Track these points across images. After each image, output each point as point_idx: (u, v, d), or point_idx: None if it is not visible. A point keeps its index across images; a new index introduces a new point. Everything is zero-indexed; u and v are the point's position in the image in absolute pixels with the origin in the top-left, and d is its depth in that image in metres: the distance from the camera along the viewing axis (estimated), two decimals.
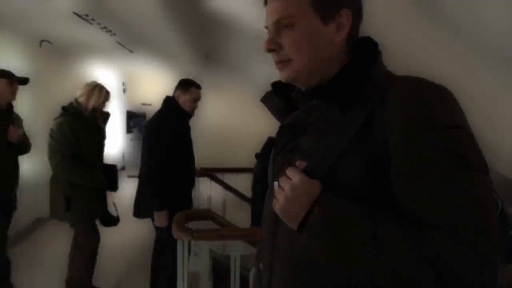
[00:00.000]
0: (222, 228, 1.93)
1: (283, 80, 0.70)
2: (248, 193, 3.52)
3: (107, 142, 2.45)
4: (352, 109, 0.61)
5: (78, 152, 2.11)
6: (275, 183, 0.66)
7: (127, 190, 3.04)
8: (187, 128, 2.33)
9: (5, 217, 2.23)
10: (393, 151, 0.55)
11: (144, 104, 6.15)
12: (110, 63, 5.25)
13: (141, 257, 2.77)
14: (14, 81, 2.15)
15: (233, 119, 5.66)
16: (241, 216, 3.34)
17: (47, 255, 3.02)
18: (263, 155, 2.77)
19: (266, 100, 0.80)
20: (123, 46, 3.71)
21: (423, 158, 0.53)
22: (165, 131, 2.15)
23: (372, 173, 0.57)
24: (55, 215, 2.23)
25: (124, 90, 6.45)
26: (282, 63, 0.67)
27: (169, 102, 2.27)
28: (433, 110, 0.54)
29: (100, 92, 2.19)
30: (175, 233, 1.78)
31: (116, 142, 6.44)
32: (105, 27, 2.99)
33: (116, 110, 6.33)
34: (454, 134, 0.53)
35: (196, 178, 3.86)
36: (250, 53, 3.25)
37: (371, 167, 0.57)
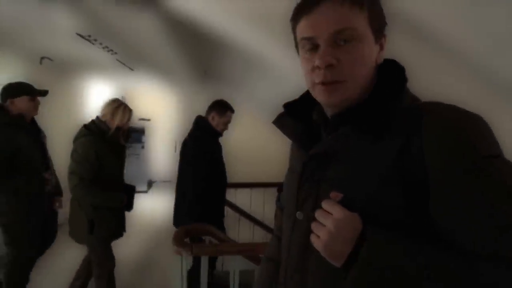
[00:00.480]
0: (222, 243, 1.94)
1: (328, 103, 0.64)
2: (247, 208, 3.53)
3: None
4: (384, 137, 0.58)
5: (100, 172, 2.07)
6: (299, 213, 0.66)
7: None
8: (219, 147, 2.44)
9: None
10: (434, 182, 0.53)
11: (142, 119, 6.21)
12: (109, 79, 5.33)
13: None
14: (35, 96, 2.15)
15: (231, 134, 5.71)
16: (240, 231, 3.34)
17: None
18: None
19: (279, 122, 0.75)
20: (123, 64, 3.78)
21: (475, 193, 0.51)
22: (201, 149, 2.29)
23: (410, 206, 0.55)
24: (76, 237, 2.20)
25: None
26: (334, 84, 0.59)
27: (201, 122, 2.39)
28: (472, 140, 0.52)
29: (124, 111, 2.16)
30: (175, 248, 1.80)
31: None
32: (107, 47, 3.07)
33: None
34: (498, 162, 0.53)
35: None
36: (247, 70, 3.34)
37: (410, 198, 0.55)
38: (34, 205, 2.14)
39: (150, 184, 6.66)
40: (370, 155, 0.58)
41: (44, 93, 2.22)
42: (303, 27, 0.61)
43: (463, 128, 0.53)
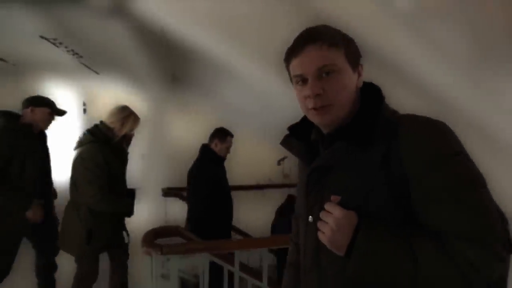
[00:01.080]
0: (190, 241, 1.99)
1: (321, 124, 0.78)
2: None
3: (63, 165, 2.43)
4: (371, 146, 0.71)
5: (108, 179, 2.07)
6: (310, 217, 0.79)
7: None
8: (224, 171, 2.72)
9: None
10: (414, 179, 0.66)
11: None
12: (71, 83, 5.16)
13: None
14: (55, 112, 2.28)
15: (199, 139, 5.73)
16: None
17: None
18: (284, 212, 3.00)
19: (286, 143, 0.87)
20: (88, 67, 3.71)
21: (442, 183, 0.64)
22: (207, 176, 2.58)
23: (396, 200, 0.67)
24: (68, 247, 2.15)
25: (85, 110, 6.29)
26: (323, 108, 0.73)
27: (206, 151, 2.65)
28: (441, 142, 0.67)
29: (134, 120, 2.17)
30: (144, 249, 1.83)
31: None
32: (72, 50, 3.02)
33: (75, 131, 6.12)
34: (461, 158, 0.66)
35: (164, 198, 3.87)
36: (217, 77, 3.43)
37: (395, 195, 0.67)
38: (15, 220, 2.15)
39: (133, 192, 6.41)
40: (360, 163, 0.71)
41: (62, 113, 2.33)
42: (294, 67, 0.76)
43: (431, 132, 0.68)
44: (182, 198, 3.59)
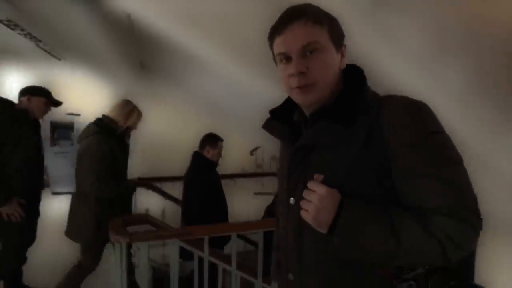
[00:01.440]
0: (159, 229, 2.00)
1: (304, 103, 0.77)
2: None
3: None
4: (353, 125, 0.71)
5: (112, 168, 2.14)
6: (292, 199, 0.79)
7: (53, 209, 2.87)
8: (217, 175, 2.76)
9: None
10: (395, 156, 0.67)
11: (71, 113, 5.77)
12: (31, 68, 4.87)
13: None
14: (51, 101, 2.31)
15: (170, 128, 5.65)
16: (179, 223, 3.38)
17: None
18: (272, 210, 3.03)
19: (268, 126, 0.87)
20: (48, 53, 3.52)
21: (421, 160, 0.66)
22: (201, 182, 2.62)
23: (377, 178, 0.69)
24: (74, 235, 2.19)
25: None
26: (307, 86, 0.73)
27: (198, 159, 2.70)
28: (421, 121, 0.68)
29: (138, 114, 2.30)
30: (113, 237, 1.82)
31: None
32: (30, 34, 2.85)
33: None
34: (440, 137, 0.68)
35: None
36: (187, 66, 3.39)
37: (376, 173, 0.69)
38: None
39: None
40: (343, 141, 0.72)
41: (58, 103, 2.36)
42: (278, 45, 0.75)
43: (411, 112, 0.69)
44: (152, 188, 3.56)
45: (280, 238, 0.88)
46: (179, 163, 3.25)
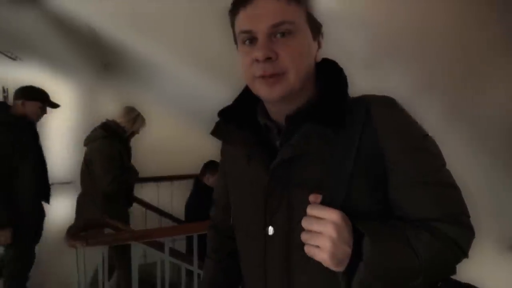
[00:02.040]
0: (118, 232, 2.01)
1: (272, 98, 0.61)
2: (155, 201, 3.59)
3: None
4: (343, 130, 0.59)
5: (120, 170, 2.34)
6: (270, 228, 0.62)
7: None
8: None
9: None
10: (393, 164, 0.59)
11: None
12: None
13: None
14: (47, 105, 2.25)
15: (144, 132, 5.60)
16: (148, 226, 3.36)
17: None
18: None
19: (219, 132, 0.69)
20: (2, 53, 3.38)
21: (423, 166, 0.60)
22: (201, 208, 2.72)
23: (373, 190, 0.59)
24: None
25: (5, 97, 5.71)
26: (275, 76, 0.58)
27: (198, 184, 2.85)
28: (414, 125, 0.62)
29: (142, 120, 2.53)
30: (68, 242, 1.81)
31: None
32: None
33: None
34: (431, 140, 0.63)
35: None
36: (147, 68, 3.39)
37: (372, 185, 0.59)
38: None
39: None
40: (335, 151, 0.59)
41: (55, 105, 2.31)
42: (241, 20, 0.60)
43: (404, 115, 0.62)
44: None
45: (254, 281, 0.70)
46: (145, 165, 3.24)
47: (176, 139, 3.75)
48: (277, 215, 0.62)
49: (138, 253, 2.00)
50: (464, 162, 2.60)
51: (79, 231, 1.88)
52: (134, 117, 2.49)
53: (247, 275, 0.74)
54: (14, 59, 3.65)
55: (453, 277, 0.64)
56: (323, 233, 0.53)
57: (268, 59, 0.57)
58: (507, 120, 2.49)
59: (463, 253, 0.60)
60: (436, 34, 2.31)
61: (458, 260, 0.61)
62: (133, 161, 2.76)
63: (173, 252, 2.09)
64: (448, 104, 2.49)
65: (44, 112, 2.26)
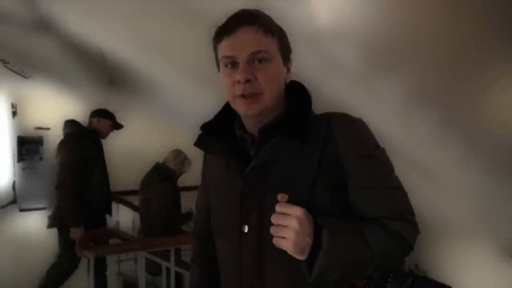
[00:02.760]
0: (125, 241, 2.09)
1: (250, 114, 0.71)
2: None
3: None
4: (308, 141, 0.70)
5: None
6: (245, 226, 0.72)
7: (20, 227, 2.85)
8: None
9: None
10: (351, 170, 0.69)
11: (39, 128, 5.68)
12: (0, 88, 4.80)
13: None
14: (115, 125, 2.61)
15: (141, 142, 5.70)
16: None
17: None
18: None
19: (201, 143, 0.79)
20: (15, 72, 3.55)
21: (375, 171, 0.70)
22: None
23: (333, 192, 0.70)
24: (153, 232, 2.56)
25: (14, 113, 5.85)
26: (253, 96, 0.69)
27: None
28: (369, 137, 0.73)
29: (188, 161, 2.75)
30: (80, 252, 1.90)
31: (3, 172, 5.71)
32: None
33: (3, 136, 5.68)
34: (381, 150, 0.73)
35: None
36: (151, 84, 3.52)
37: (332, 188, 0.69)
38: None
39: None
40: (300, 159, 0.70)
41: (120, 126, 2.68)
42: (224, 47, 0.70)
43: (359, 128, 0.72)
44: (122, 202, 3.61)
45: (229, 275, 0.79)
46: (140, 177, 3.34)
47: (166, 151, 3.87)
48: (251, 215, 0.72)
49: (143, 263, 2.07)
50: (459, 169, 2.65)
51: (89, 241, 1.97)
52: (182, 160, 2.73)
53: (224, 270, 0.83)
54: (26, 77, 3.81)
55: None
56: (288, 226, 0.63)
57: (247, 81, 0.68)
58: (502, 127, 2.55)
59: (409, 246, 0.69)
60: (427, 46, 2.41)
61: (405, 252, 0.69)
62: (137, 172, 2.89)
63: (178, 262, 2.16)
64: (443, 113, 2.56)
65: (112, 130, 2.61)
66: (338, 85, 2.21)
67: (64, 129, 2.48)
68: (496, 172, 2.75)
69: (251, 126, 0.76)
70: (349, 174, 0.70)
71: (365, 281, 0.77)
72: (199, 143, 0.80)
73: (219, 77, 0.75)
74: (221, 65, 0.73)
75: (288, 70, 0.76)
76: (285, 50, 0.75)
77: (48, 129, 5.67)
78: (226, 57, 0.70)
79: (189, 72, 2.75)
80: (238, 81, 0.69)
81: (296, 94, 0.77)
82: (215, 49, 0.74)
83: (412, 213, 0.71)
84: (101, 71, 3.74)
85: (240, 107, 0.72)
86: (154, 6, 1.98)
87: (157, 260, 2.12)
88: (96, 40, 2.48)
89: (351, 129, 0.72)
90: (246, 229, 0.72)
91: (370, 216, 0.69)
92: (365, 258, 0.64)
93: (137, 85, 4.01)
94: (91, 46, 2.55)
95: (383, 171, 0.71)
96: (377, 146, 0.74)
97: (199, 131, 0.80)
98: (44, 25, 2.24)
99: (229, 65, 0.71)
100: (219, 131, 0.79)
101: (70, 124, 2.48)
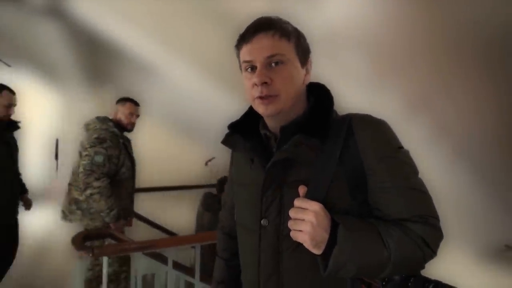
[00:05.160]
0: (122, 242, 2.00)
1: (267, 114, 0.75)
2: (144, 212, 3.55)
3: None
4: (328, 141, 0.72)
5: None
6: (264, 220, 0.75)
7: None
8: None
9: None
10: (371, 170, 0.70)
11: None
12: None
13: None
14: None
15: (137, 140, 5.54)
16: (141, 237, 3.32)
17: None
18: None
19: (228, 141, 0.84)
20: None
21: (396, 172, 0.70)
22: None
23: (352, 192, 0.71)
24: None
25: None
26: (270, 97, 0.73)
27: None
28: (391, 138, 0.74)
29: None
30: (76, 252, 1.79)
31: None
32: None
33: None
34: (405, 151, 0.74)
35: None
36: (143, 76, 3.42)
37: (352, 187, 0.71)
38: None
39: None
40: (320, 158, 0.72)
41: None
42: (244, 53, 0.76)
43: (381, 130, 0.74)
44: None
45: (248, 266, 0.82)
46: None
47: (170, 151, 3.76)
48: (271, 209, 0.75)
49: (141, 264, 1.99)
50: (445, 176, 2.75)
51: (83, 241, 1.86)
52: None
53: (244, 262, 0.86)
54: (8, 65, 3.59)
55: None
56: (305, 220, 0.65)
57: (264, 83, 0.72)
58: (488, 133, 2.68)
59: (431, 251, 0.69)
60: (424, 56, 2.48)
61: (426, 257, 0.69)
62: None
63: (175, 264, 2.09)
64: (436, 120, 2.65)
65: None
66: (346, 88, 2.24)
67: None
68: (479, 182, 2.89)
69: (273, 125, 0.79)
70: (370, 175, 0.71)
71: (383, 283, 0.76)
72: (226, 141, 0.84)
73: (241, 79, 0.80)
74: (242, 70, 0.79)
75: (307, 71, 0.79)
76: (303, 53, 0.78)
77: (19, 122, 5.35)
78: (245, 61, 0.76)
79: (197, 65, 2.69)
80: (256, 84, 0.73)
81: (318, 94, 0.80)
82: (238, 55, 0.80)
83: (435, 217, 0.71)
84: (89, 63, 3.58)
85: (258, 107, 0.76)
86: (178, 6, 1.93)
87: (155, 262, 2.04)
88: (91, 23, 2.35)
89: (372, 130, 0.73)
90: (265, 223, 0.75)
91: (390, 218, 0.69)
92: (382, 258, 0.65)
93: (127, 79, 3.89)
94: (83, 32, 2.42)
95: (405, 172, 0.72)
96: (400, 147, 0.74)
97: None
98: (53, 10, 2.11)
99: (248, 69, 0.76)
100: (245, 130, 0.83)
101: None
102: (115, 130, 2.34)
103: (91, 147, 2.20)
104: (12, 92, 2.38)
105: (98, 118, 2.36)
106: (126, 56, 3.04)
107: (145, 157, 2.93)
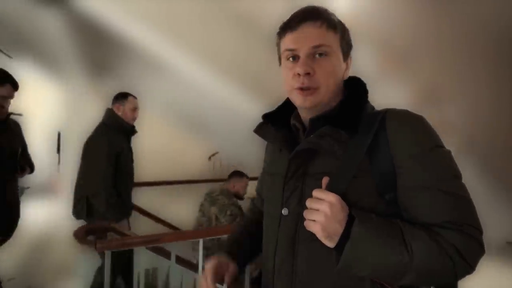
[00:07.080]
0: (126, 236, 1.99)
1: (305, 106, 0.73)
2: (146, 206, 3.54)
3: None
4: (357, 134, 0.69)
5: None
6: (285, 209, 0.73)
7: None
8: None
9: None
10: (402, 168, 0.66)
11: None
12: None
13: None
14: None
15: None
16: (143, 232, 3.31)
17: None
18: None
19: (260, 130, 0.83)
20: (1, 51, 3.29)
21: (430, 172, 0.65)
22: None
23: (380, 189, 0.66)
24: None
25: None
26: (310, 89, 0.71)
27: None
28: (426, 135, 0.68)
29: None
30: (79, 247, 1.78)
31: None
32: None
33: None
34: (443, 151, 0.68)
35: None
36: (147, 70, 3.39)
37: (379, 185, 0.67)
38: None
39: (21, 191, 5.69)
40: (346, 150, 0.69)
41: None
42: (288, 41, 0.73)
43: (416, 126, 0.69)
44: None
45: (268, 252, 0.81)
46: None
47: (173, 145, 3.74)
48: (291, 198, 0.74)
49: (144, 259, 1.98)
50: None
51: (85, 235, 1.85)
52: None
53: (264, 248, 0.86)
54: (10, 57, 3.56)
55: None
56: (320, 210, 0.64)
57: (307, 74, 0.71)
58: (495, 130, 2.65)
59: (466, 263, 0.61)
60: (432, 53, 2.44)
61: (459, 269, 0.62)
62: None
63: (178, 259, 2.08)
64: (443, 116, 2.62)
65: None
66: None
67: None
68: (481, 179, 2.87)
69: (306, 116, 0.77)
70: (400, 173, 0.67)
71: None
72: (257, 130, 0.84)
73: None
74: (282, 59, 0.76)
75: (347, 66, 0.78)
76: (346, 47, 0.76)
77: (20, 115, 5.32)
78: (288, 50, 0.73)
79: (202, 57, 2.66)
80: (298, 74, 0.71)
81: (354, 88, 0.78)
82: (278, 44, 0.77)
83: (475, 227, 0.63)
84: (93, 55, 3.55)
85: (296, 98, 0.74)
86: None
87: (158, 256, 2.03)
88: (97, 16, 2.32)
89: (406, 126, 0.69)
90: (286, 212, 0.74)
91: (419, 221, 0.65)
92: (401, 261, 0.60)
93: (130, 73, 3.86)
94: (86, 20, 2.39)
95: (441, 173, 0.66)
96: (439, 146, 0.69)
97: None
98: (57, 1, 2.07)
99: (290, 58, 0.73)
100: (277, 121, 0.82)
101: None
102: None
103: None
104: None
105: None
106: (131, 49, 3.00)
107: (149, 151, 2.91)
